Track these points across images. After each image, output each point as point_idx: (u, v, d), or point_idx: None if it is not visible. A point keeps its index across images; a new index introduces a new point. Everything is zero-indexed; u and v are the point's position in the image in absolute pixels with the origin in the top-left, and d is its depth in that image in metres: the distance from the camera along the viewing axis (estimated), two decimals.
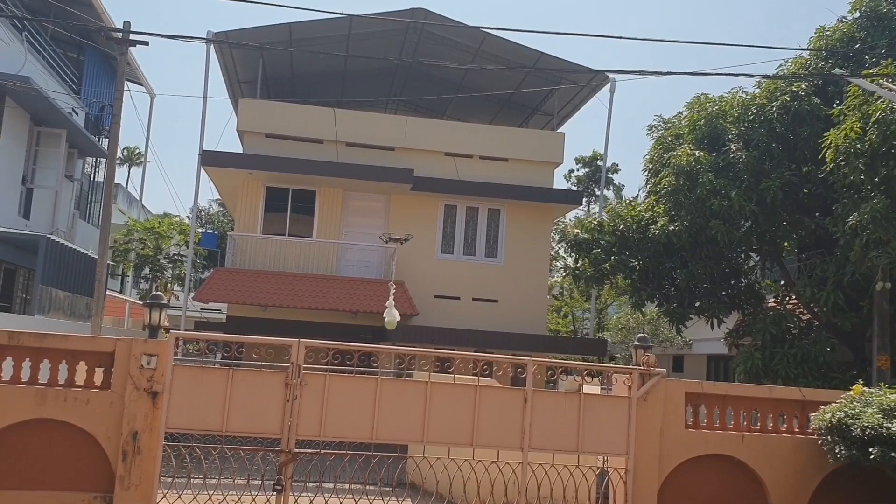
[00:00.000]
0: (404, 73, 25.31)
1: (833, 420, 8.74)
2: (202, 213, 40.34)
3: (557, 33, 17.16)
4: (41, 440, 7.71)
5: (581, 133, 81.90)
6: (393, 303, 16.07)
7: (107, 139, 24.82)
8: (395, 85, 26.61)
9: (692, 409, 9.37)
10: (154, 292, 11.41)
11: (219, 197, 31.24)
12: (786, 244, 16.41)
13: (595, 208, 36.81)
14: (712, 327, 17.33)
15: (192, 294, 25.46)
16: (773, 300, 17.82)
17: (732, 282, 17.52)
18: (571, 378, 13.42)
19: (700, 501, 9.19)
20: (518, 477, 8.74)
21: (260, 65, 23.14)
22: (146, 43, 15.43)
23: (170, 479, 8.47)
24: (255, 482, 8.48)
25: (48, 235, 18.49)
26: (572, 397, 9.13)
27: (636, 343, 9.51)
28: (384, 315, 16.12)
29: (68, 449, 7.76)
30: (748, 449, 9.29)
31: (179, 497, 8.33)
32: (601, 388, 11.84)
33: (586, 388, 10.02)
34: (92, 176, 27.76)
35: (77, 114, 23.45)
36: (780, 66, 16.07)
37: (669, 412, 9.15)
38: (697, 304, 17.22)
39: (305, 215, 22.10)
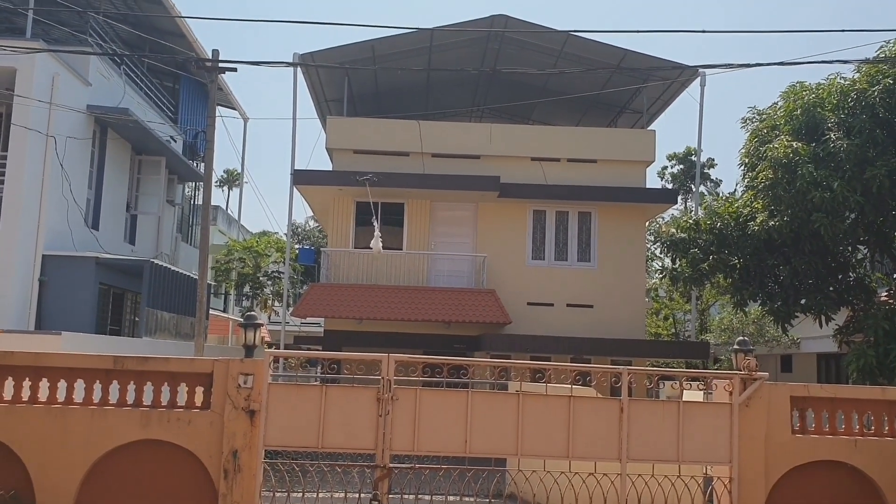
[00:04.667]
0: (487, 80, 25.28)
1: None
2: (298, 229, 41.38)
3: (640, 31, 16.77)
4: (146, 460, 8.00)
5: (673, 129, 79.92)
6: (378, 235, 19.31)
7: (203, 163, 25.76)
8: (478, 93, 26.62)
9: (799, 414, 8.92)
10: (250, 312, 11.69)
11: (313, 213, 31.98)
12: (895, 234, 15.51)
13: (691, 205, 35.78)
14: (821, 325, 16.52)
15: (290, 309, 26.15)
16: (884, 294, 16.84)
17: (840, 276, 16.66)
18: (672, 385, 13.05)
19: None
20: (617, 488, 8.52)
21: (345, 83, 23.56)
22: (235, 69, 15.93)
23: (270, 495, 8.63)
24: (353, 496, 8.55)
25: (152, 260, 19.30)
26: (671, 405, 8.84)
27: (736, 347, 9.14)
28: (371, 245, 19.11)
29: (172, 468, 8.02)
30: (862, 454, 8.77)
31: None
32: (704, 394, 11.46)
33: (689, 394, 9.70)
34: (192, 200, 28.85)
35: (175, 141, 24.44)
36: (882, 47, 15.20)
37: (774, 418, 8.74)
38: (803, 301, 16.44)
39: (395, 227, 22.34)
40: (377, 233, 19.71)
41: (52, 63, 17.29)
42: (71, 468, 7.83)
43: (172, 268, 20.75)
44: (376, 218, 20.35)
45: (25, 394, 8.06)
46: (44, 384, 8.10)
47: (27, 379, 8.08)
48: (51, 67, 17.24)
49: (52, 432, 7.88)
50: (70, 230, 18.10)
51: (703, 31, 10.78)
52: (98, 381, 8.13)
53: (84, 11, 20.30)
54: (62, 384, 8.10)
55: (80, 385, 8.12)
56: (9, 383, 8.06)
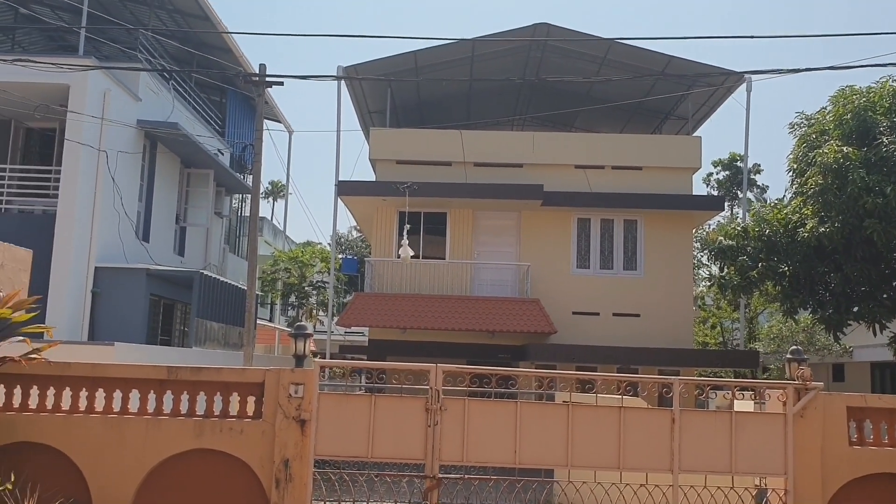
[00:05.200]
0: (529, 88, 25.27)
1: None
2: (342, 239, 41.73)
3: (685, 38, 16.57)
4: (200, 469, 8.11)
5: (719, 135, 78.94)
6: (406, 242, 19.53)
7: (251, 176, 26.17)
8: (520, 101, 26.62)
9: (856, 425, 8.71)
10: (299, 322, 11.81)
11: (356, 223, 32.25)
12: None
13: (738, 212, 35.24)
14: (875, 333, 16.16)
15: (335, 319, 26.35)
16: None
17: (894, 283, 16.28)
18: (722, 394, 12.83)
19: None
20: (669, 500, 8.41)
21: (388, 94, 23.75)
22: (281, 83, 16.20)
23: None
24: None
25: (201, 271, 19.61)
26: (723, 416, 8.71)
27: (789, 356, 8.97)
28: (399, 253, 19.52)
29: (225, 477, 8.12)
30: None
31: None
32: (755, 404, 11.25)
33: (739, 404, 9.53)
34: (239, 211, 29.30)
35: (222, 154, 24.85)
36: None
37: (830, 429, 8.55)
38: (856, 309, 16.10)
39: (438, 237, 22.41)
40: (405, 240, 19.94)
41: (104, 79, 17.72)
42: (127, 477, 7.97)
43: (221, 278, 21.07)
44: (410, 226, 20.55)
45: (82, 404, 8.22)
46: (100, 394, 8.25)
47: (84, 389, 8.25)
48: (102, 84, 17.67)
49: (108, 441, 8.03)
50: (122, 242, 18.49)
51: (751, 37, 10.63)
52: (152, 391, 8.28)
53: (134, 28, 20.81)
54: (118, 394, 8.26)
55: (135, 395, 8.26)
56: (66, 394, 8.23)
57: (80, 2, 18.57)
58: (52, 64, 14.88)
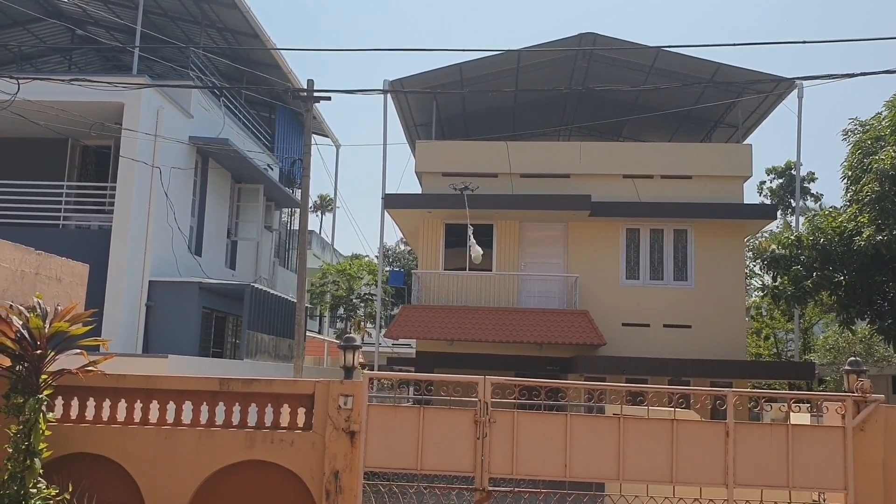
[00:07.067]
0: (576, 98, 25.14)
1: None
2: (389, 252, 41.95)
3: (734, 45, 16.26)
4: (251, 481, 8.18)
5: (770, 142, 77.48)
6: (474, 241, 19.73)
7: (299, 190, 26.51)
8: (566, 111, 26.49)
9: None
10: (348, 334, 11.89)
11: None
12: None
13: (791, 221, 34.52)
14: None
15: (383, 331, 26.47)
16: None
17: None
18: (778, 407, 12.54)
19: None
20: None
21: (433, 107, 23.84)
22: (329, 98, 16.40)
23: None
24: None
25: (252, 284, 19.89)
26: (779, 429, 8.49)
27: (847, 367, 8.71)
28: (470, 253, 19.61)
29: (276, 489, 8.18)
30: None
31: None
32: (811, 416, 10.96)
33: (795, 417, 9.30)
34: (288, 225, 29.68)
35: (272, 169, 25.22)
36: None
37: (892, 442, 8.27)
38: None
39: (484, 249, 22.31)
40: (472, 240, 20.03)
41: (157, 97, 18.13)
42: (181, 488, 8.08)
43: (271, 291, 21.33)
44: (471, 231, 20.49)
45: (137, 415, 8.37)
46: (154, 406, 8.39)
47: (139, 401, 8.41)
48: (155, 102, 18.08)
49: (162, 453, 8.15)
50: (175, 256, 18.85)
51: (803, 42, 10.42)
52: (205, 403, 8.39)
53: (185, 47, 21.27)
54: (171, 406, 8.39)
55: (188, 406, 8.39)
56: (121, 405, 8.39)
57: (134, 22, 19.06)
58: (108, 83, 15.29)
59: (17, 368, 7.48)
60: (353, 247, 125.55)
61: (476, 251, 19.82)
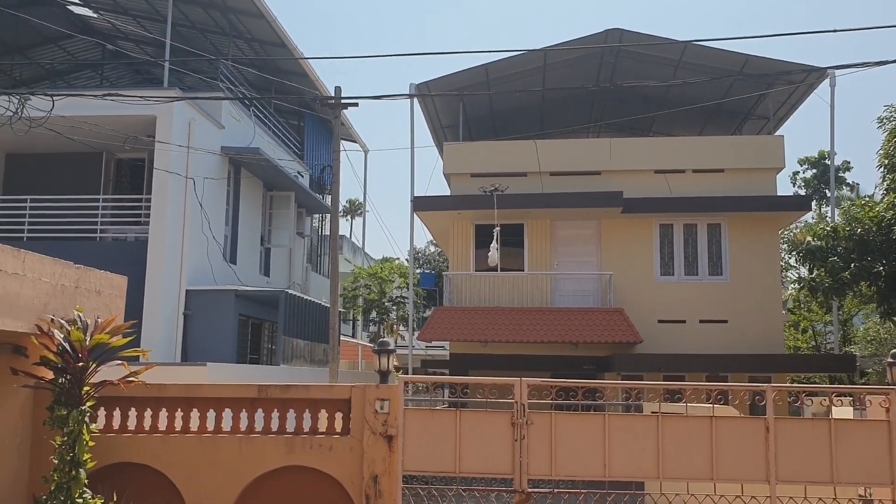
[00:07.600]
0: (603, 94, 24.99)
1: None
2: (419, 254, 42.05)
3: (763, 36, 16.09)
4: (292, 486, 8.23)
5: (803, 132, 76.34)
6: (496, 246, 19.81)
7: (329, 195, 26.68)
8: (594, 108, 26.34)
9: None
10: (382, 338, 11.93)
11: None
12: None
13: (826, 211, 33.98)
14: None
15: (416, 334, 26.53)
16: None
17: None
18: (819, 401, 12.33)
19: None
20: None
21: (460, 108, 23.84)
22: (356, 104, 16.48)
23: None
24: None
25: (286, 290, 20.04)
26: (821, 423, 8.37)
27: (890, 360, 8.56)
28: (488, 258, 19.76)
29: (316, 494, 8.22)
30: None
31: None
32: (854, 410, 10.77)
33: (837, 411, 9.14)
34: (319, 230, 29.87)
35: (302, 176, 25.41)
36: None
37: None
38: None
39: (515, 248, 22.29)
40: (495, 244, 20.05)
41: (188, 109, 18.35)
42: (222, 494, 8.15)
43: (305, 297, 21.48)
44: (497, 231, 20.49)
45: (178, 424, 8.46)
46: (194, 414, 8.48)
47: (179, 409, 8.50)
48: (187, 113, 18.30)
49: (203, 460, 8.23)
50: (210, 265, 19.06)
51: (833, 31, 10.26)
52: (244, 410, 8.46)
53: (215, 59, 21.52)
54: (211, 413, 8.48)
55: (227, 414, 8.47)
56: (162, 414, 8.50)
57: (163, 36, 19.30)
58: (139, 97, 15.49)
59: (60, 381, 7.60)
60: (384, 250, 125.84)
61: (493, 257, 19.92)
